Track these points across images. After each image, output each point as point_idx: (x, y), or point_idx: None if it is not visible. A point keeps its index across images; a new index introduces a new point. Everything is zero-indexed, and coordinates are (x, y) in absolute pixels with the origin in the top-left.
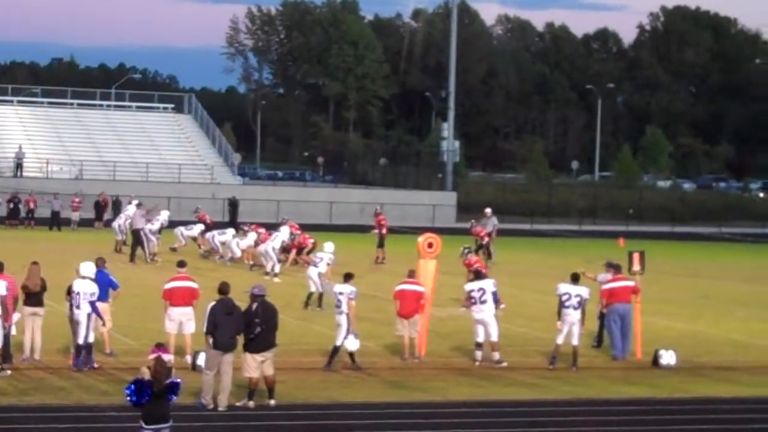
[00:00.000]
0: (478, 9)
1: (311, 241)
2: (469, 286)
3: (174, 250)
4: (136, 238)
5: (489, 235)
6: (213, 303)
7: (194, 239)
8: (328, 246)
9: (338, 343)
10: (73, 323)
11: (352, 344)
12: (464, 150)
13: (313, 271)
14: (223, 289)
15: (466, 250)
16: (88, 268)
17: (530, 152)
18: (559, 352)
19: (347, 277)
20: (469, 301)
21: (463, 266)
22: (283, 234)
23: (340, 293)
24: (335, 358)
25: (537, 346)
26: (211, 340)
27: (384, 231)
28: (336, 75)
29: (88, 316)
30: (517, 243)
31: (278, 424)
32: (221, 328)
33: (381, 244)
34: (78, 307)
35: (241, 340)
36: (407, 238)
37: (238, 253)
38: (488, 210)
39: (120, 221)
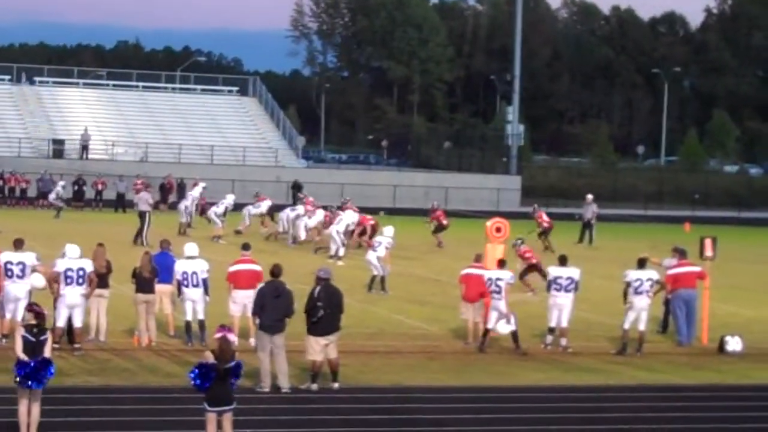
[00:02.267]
0: None
1: (371, 222)
2: (555, 272)
3: (238, 232)
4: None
5: (549, 223)
6: (262, 284)
7: (261, 218)
8: (388, 230)
9: (489, 326)
10: (185, 302)
11: (504, 328)
12: (529, 134)
13: (372, 255)
14: (275, 271)
15: (519, 241)
16: (192, 248)
17: (595, 136)
18: (628, 338)
19: (502, 264)
20: (552, 286)
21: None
22: (348, 217)
23: (499, 279)
24: (487, 340)
25: (601, 332)
26: (257, 321)
27: (444, 222)
28: (400, 58)
29: (202, 294)
30: (575, 230)
31: (342, 407)
32: (268, 310)
33: (438, 231)
34: (189, 285)
35: (296, 323)
36: (471, 222)
37: (303, 236)
38: (589, 196)
39: (186, 202)
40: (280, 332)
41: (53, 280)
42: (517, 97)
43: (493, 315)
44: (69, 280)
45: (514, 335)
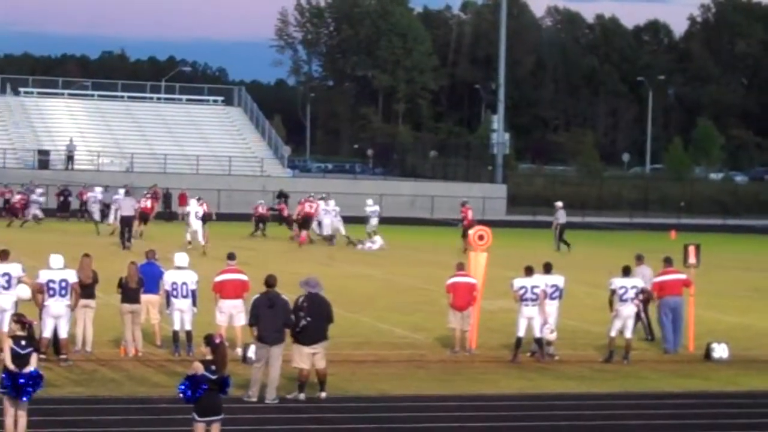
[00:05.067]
0: (527, 1)
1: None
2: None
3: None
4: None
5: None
6: (257, 296)
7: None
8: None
9: (537, 334)
10: (173, 312)
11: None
12: (514, 142)
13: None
14: (269, 281)
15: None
16: (183, 259)
17: (580, 145)
18: (614, 346)
19: (529, 271)
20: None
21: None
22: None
23: (535, 286)
24: (520, 349)
25: (588, 339)
26: (255, 333)
27: (466, 222)
28: (385, 67)
29: (190, 305)
30: (567, 236)
31: (329, 417)
32: (263, 321)
33: (464, 235)
34: (178, 296)
35: (290, 331)
36: (457, 231)
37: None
38: (558, 203)
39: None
40: (279, 343)
41: (37, 291)
42: (502, 105)
43: (522, 323)
44: (52, 292)
45: (539, 342)
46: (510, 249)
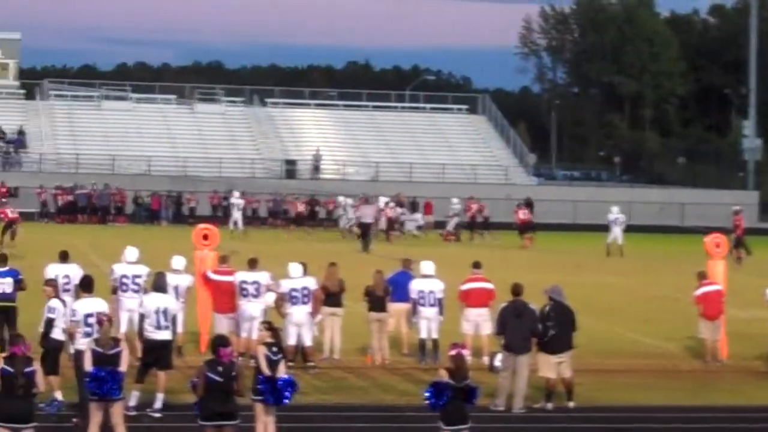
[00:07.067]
0: None
1: None
2: None
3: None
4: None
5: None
6: (504, 304)
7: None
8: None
9: None
10: (419, 320)
11: None
12: (767, 148)
13: None
14: (515, 290)
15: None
16: (429, 267)
17: None
18: None
19: None
20: None
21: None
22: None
23: None
24: None
25: None
26: (501, 341)
27: (739, 232)
28: (631, 73)
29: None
30: None
31: (577, 427)
32: (510, 330)
33: (737, 245)
34: (425, 305)
35: (535, 340)
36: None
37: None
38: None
39: None
40: (525, 352)
41: (280, 299)
42: (753, 110)
43: None
44: (294, 300)
45: None
46: (763, 257)
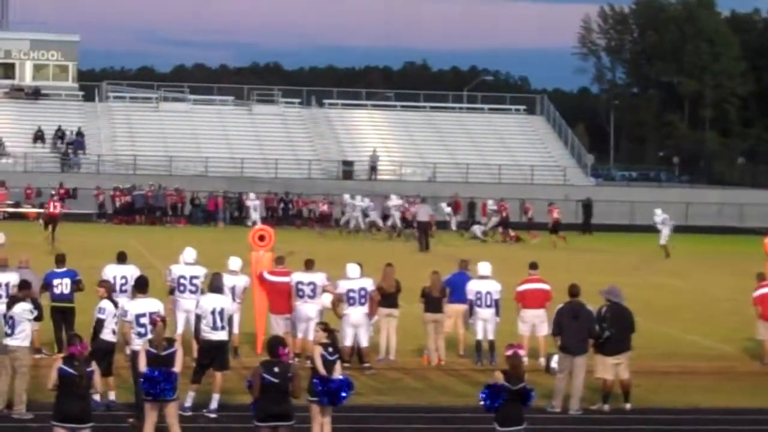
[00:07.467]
0: None
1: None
2: None
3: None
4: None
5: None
6: (561, 305)
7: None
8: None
9: None
10: (476, 321)
11: None
12: None
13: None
14: (572, 291)
15: None
16: (486, 268)
17: None
18: None
19: None
20: None
21: None
22: None
23: None
24: None
25: None
26: (558, 343)
27: None
28: (691, 73)
29: (493, 314)
30: None
31: (634, 428)
32: (567, 332)
33: None
34: (482, 306)
35: (592, 341)
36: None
37: None
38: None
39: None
40: (582, 353)
41: (337, 300)
42: None
43: None
44: (351, 300)
45: None
46: None
